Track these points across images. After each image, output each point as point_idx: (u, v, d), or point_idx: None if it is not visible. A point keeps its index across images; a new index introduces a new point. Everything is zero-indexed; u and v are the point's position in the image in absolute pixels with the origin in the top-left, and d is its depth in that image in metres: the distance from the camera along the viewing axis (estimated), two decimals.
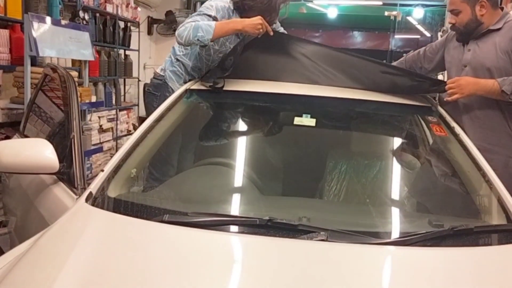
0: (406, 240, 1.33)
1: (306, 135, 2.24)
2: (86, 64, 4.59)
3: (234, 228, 1.39)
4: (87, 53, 4.35)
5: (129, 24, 6.13)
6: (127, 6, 5.90)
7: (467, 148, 1.85)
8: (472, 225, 1.41)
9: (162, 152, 2.01)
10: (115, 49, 5.74)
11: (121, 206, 1.50)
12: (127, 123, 6.03)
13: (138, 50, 6.41)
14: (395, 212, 1.81)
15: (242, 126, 2.28)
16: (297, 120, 2.04)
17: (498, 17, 2.28)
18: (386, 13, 8.91)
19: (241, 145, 2.13)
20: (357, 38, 12.44)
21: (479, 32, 2.29)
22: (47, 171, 1.64)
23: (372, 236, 1.36)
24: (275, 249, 1.28)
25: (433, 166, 2.05)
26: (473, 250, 1.35)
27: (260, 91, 2.19)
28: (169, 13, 7.51)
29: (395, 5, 8.57)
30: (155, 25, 7.61)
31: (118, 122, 5.67)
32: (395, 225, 1.66)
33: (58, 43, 3.89)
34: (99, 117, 5.12)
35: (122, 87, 6.17)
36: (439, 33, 7.36)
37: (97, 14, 5.28)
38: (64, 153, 1.74)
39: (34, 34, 3.53)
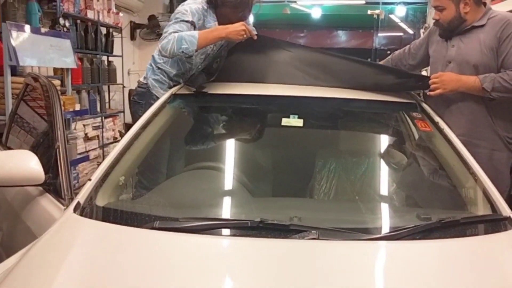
0: (396, 234, 1.36)
1: (294, 135, 2.25)
2: (69, 72, 4.53)
3: (226, 231, 1.39)
4: (69, 60, 4.30)
5: (111, 29, 6.07)
6: (108, 12, 5.85)
7: (452, 142, 1.88)
8: (459, 216, 1.45)
9: (150, 158, 2.00)
10: (98, 56, 5.68)
11: (110, 215, 1.49)
12: (113, 130, 5.97)
13: (122, 56, 6.36)
14: (384, 208, 1.84)
15: (229, 129, 2.28)
16: (285, 121, 2.06)
17: (481, 13, 2.30)
18: (369, 12, 8.98)
19: (230, 148, 2.13)
20: (342, 37, 12.54)
21: (462, 28, 2.31)
22: (32, 182, 1.62)
23: (363, 232, 1.38)
24: (267, 250, 1.29)
25: (419, 161, 2.08)
26: (461, 241, 1.38)
27: (246, 93, 2.19)
28: (151, 18, 7.47)
29: (378, 3, 8.65)
30: (138, 30, 7.56)
31: (104, 129, 5.62)
32: (385, 220, 1.69)
33: (39, 51, 3.83)
34: (84, 126, 5.06)
35: (106, 94, 6.12)
36: (422, 30, 7.46)
37: (78, 21, 5.21)
38: (49, 164, 1.72)
39: (13, 43, 3.48)
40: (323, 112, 2.25)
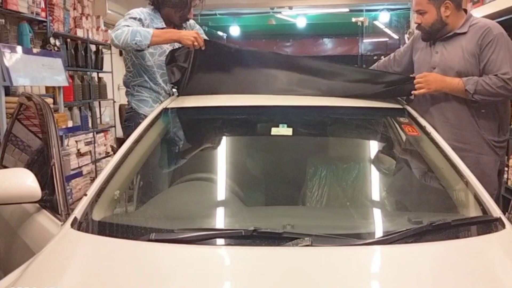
0: (388, 239, 1.38)
1: (284, 144, 2.28)
2: (61, 90, 4.56)
3: (220, 241, 1.41)
4: (60, 79, 4.33)
5: (100, 47, 6.11)
6: (97, 29, 5.89)
7: (439, 145, 1.91)
8: (450, 219, 1.46)
9: (144, 172, 2.03)
10: (88, 73, 5.71)
11: (107, 229, 1.51)
12: (104, 145, 5.98)
13: (112, 72, 6.39)
14: (376, 213, 1.86)
15: (221, 140, 2.31)
16: (274, 131, 2.08)
17: (463, 19, 2.36)
18: (354, 19, 9.10)
19: (222, 159, 2.15)
20: (328, 45, 12.68)
21: (444, 33, 2.37)
22: (29, 199, 1.63)
23: (355, 237, 1.40)
24: (262, 258, 1.31)
25: (408, 165, 2.11)
26: (453, 243, 1.40)
27: (235, 105, 2.23)
28: None
29: (361, 11, 8.76)
30: None
31: (96, 144, 5.63)
32: (377, 225, 1.70)
33: (31, 71, 3.87)
34: (76, 142, 5.07)
35: (97, 109, 6.14)
36: (406, 35, 7.57)
37: (68, 40, 5.25)
38: (45, 181, 1.74)
39: (7, 63, 3.52)
40: (312, 120, 2.28)
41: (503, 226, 1.47)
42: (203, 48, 2.33)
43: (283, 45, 12.21)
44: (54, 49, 4.63)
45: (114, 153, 2.37)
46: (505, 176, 4.01)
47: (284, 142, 2.19)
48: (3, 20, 4.03)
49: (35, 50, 4.14)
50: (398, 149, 2.21)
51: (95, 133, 5.65)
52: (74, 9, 5.41)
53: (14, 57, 3.67)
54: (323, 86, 2.28)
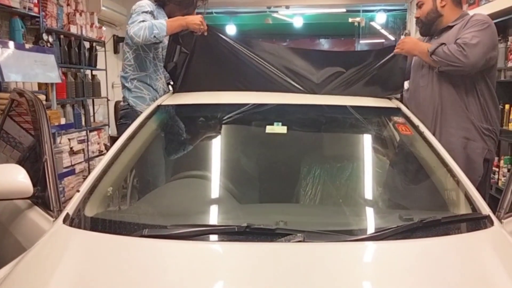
0: (379, 235, 1.39)
1: (279, 142, 2.29)
2: (53, 87, 4.53)
3: (213, 237, 1.41)
4: (53, 75, 4.30)
5: (94, 44, 6.08)
6: (91, 26, 5.86)
7: (432, 145, 1.94)
8: (440, 216, 1.48)
9: (137, 169, 2.02)
10: (82, 70, 5.68)
11: (99, 225, 1.50)
12: (98, 143, 5.95)
13: (106, 70, 6.36)
14: (368, 210, 1.87)
15: (215, 138, 2.31)
16: (269, 129, 2.09)
17: (458, 14, 2.46)
18: (350, 20, 9.12)
19: (216, 156, 2.16)
20: (324, 45, 12.71)
21: (438, 26, 2.47)
22: (21, 196, 1.62)
23: (347, 234, 1.41)
24: (254, 253, 1.32)
25: (401, 164, 2.13)
26: (442, 240, 1.42)
27: (230, 102, 2.23)
28: None
29: (358, 11, 8.79)
30: (121, 44, 7.56)
31: (89, 143, 5.60)
32: (368, 222, 1.72)
33: (24, 67, 3.84)
34: (69, 139, 5.05)
35: (91, 107, 6.11)
36: (402, 36, 7.61)
37: (61, 36, 5.22)
38: (37, 177, 1.73)
39: None
40: (307, 119, 2.30)
41: (492, 224, 1.50)
42: (205, 34, 2.40)
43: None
44: (47, 45, 4.61)
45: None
46: (496, 176, 4.06)
47: (279, 140, 2.19)
48: None
49: (27, 46, 4.11)
50: (392, 148, 2.23)
51: (88, 131, 5.62)
52: (68, 5, 5.37)
53: (5, 53, 3.64)
54: (320, 78, 2.34)
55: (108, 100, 6.56)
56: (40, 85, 4.57)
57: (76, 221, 1.47)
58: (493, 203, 1.68)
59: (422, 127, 2.07)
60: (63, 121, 4.62)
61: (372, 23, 9.70)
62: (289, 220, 1.48)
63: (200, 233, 1.37)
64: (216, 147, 2.21)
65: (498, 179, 4.10)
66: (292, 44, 12.37)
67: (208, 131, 2.32)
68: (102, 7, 6.31)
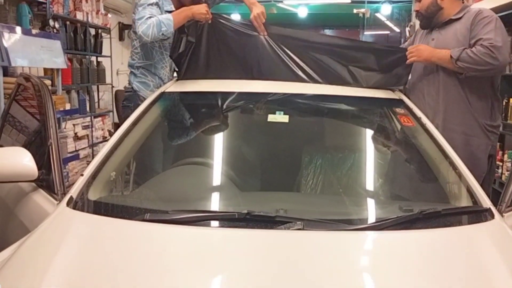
0: (378, 225, 1.40)
1: (281, 131, 2.30)
2: (59, 72, 4.55)
3: (214, 223, 1.43)
4: (59, 61, 4.32)
5: (100, 30, 6.09)
6: (97, 13, 5.86)
7: (434, 136, 1.94)
8: (440, 208, 1.48)
9: (140, 154, 2.04)
10: (87, 56, 5.70)
11: (102, 208, 1.53)
12: (102, 129, 5.99)
13: (111, 56, 6.38)
14: (368, 200, 1.88)
15: (217, 125, 2.33)
16: (271, 117, 2.10)
17: (459, 7, 2.42)
18: (355, 11, 9.07)
19: (218, 144, 2.17)
20: None
21: (439, 19, 2.43)
22: (26, 178, 1.64)
23: (346, 223, 1.42)
24: (254, 240, 1.33)
25: (403, 155, 2.13)
26: (441, 231, 1.43)
27: (233, 90, 2.24)
28: None
29: (363, 2, 8.74)
30: (126, 31, 7.56)
31: (93, 129, 5.63)
32: (368, 212, 1.73)
33: (30, 52, 3.86)
34: (73, 125, 5.08)
35: (95, 94, 6.13)
36: (407, 28, 7.56)
37: (68, 22, 5.23)
38: (42, 161, 1.75)
39: (5, 44, 3.51)
40: (309, 108, 2.31)
41: (492, 217, 1.50)
42: (209, 22, 2.40)
43: None
44: (53, 31, 4.62)
45: None
46: (499, 170, 4.06)
47: (281, 129, 2.20)
48: (2, 0, 4.00)
49: (34, 31, 4.13)
50: (393, 140, 2.23)
51: (92, 117, 5.65)
52: None
53: (13, 38, 3.66)
54: (328, 68, 2.34)
55: (112, 86, 6.59)
56: (46, 70, 4.59)
57: (80, 204, 1.49)
58: (496, 197, 1.67)
59: (424, 119, 2.06)
60: (68, 106, 4.65)
61: (377, 15, 9.64)
62: (289, 208, 1.49)
63: (201, 219, 1.39)
64: (218, 134, 2.22)
65: (501, 173, 4.10)
66: None
67: (211, 118, 2.33)
68: None
